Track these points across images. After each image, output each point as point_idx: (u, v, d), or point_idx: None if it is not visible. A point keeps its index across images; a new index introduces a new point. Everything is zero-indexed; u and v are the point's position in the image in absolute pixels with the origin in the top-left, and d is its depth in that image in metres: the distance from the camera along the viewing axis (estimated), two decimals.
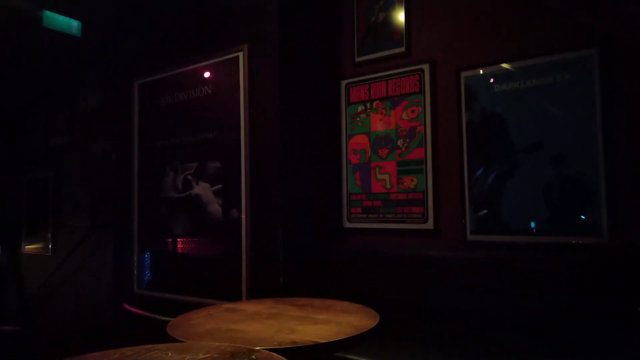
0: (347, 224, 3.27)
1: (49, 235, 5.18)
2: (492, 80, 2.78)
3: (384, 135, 3.12)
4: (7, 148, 5.67)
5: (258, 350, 1.56)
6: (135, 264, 3.62)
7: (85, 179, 4.74)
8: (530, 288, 2.47)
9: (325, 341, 1.69)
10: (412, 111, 3.03)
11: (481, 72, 2.81)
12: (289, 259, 2.89)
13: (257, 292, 2.93)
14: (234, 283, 3.04)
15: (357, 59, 3.30)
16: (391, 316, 2.03)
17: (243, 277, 3.01)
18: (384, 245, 3.06)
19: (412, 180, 2.99)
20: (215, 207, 3.23)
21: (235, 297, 2.99)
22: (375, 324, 1.88)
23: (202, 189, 3.30)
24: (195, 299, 3.19)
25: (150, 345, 1.67)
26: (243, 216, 3.05)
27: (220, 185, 3.21)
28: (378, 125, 3.16)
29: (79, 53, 4.60)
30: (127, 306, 2.71)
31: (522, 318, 2.47)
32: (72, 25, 3.60)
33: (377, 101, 3.17)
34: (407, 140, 3.02)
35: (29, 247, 5.38)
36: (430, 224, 2.91)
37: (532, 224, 2.62)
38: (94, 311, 4.37)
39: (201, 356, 1.54)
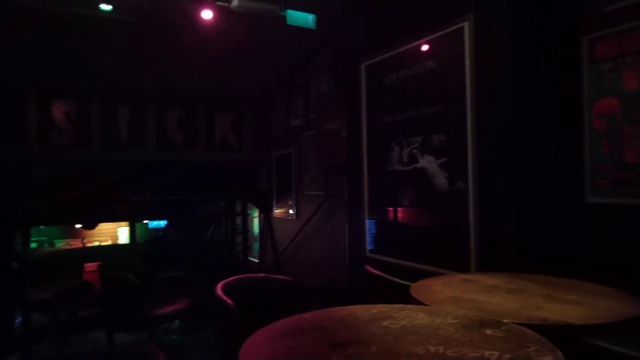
0: (591, 199, 2.93)
1: (292, 202, 6.11)
2: None
3: None
4: (262, 129, 6.84)
5: (507, 323, 1.60)
6: (366, 230, 4.01)
7: (318, 154, 5.39)
8: None
9: (579, 323, 1.62)
10: None
11: None
12: (522, 233, 2.79)
13: (486, 265, 2.92)
14: (462, 254, 3.09)
15: (604, 9, 2.86)
16: None
17: (471, 249, 3.03)
18: None
19: None
20: (440, 179, 3.31)
21: (463, 268, 3.04)
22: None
23: (427, 162, 3.41)
24: (422, 267, 3.37)
25: (401, 305, 1.89)
26: (470, 188, 3.05)
27: (445, 158, 3.27)
28: (633, 84, 2.70)
29: (311, 42, 5.18)
30: (369, 268, 3.06)
31: None
32: (309, 19, 4.09)
33: (632, 56, 2.70)
34: None
35: (278, 212, 6.46)
36: None
37: None
38: (328, 269, 5.02)
39: (450, 320, 1.67)
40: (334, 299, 3.94)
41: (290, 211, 6.14)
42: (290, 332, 1.63)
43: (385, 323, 1.66)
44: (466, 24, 3.05)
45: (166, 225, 9.00)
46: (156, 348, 1.50)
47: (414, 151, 3.51)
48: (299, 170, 5.91)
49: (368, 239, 3.97)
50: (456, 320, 1.66)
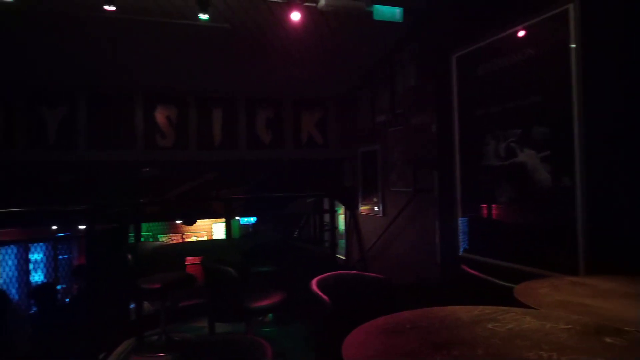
0: None
1: (377, 199, 6.07)
2: None
3: None
4: (347, 126, 6.88)
5: (629, 331, 1.46)
6: (459, 228, 3.87)
7: (406, 150, 5.30)
8: None
9: None
10: None
11: None
12: None
13: (597, 268, 2.68)
14: (568, 255, 2.87)
15: None
16: None
17: (579, 249, 2.80)
18: None
19: None
20: (542, 174, 3.09)
21: (569, 270, 2.82)
22: None
23: (527, 156, 3.21)
24: (522, 268, 3.18)
25: (505, 307, 1.80)
26: (577, 184, 2.82)
27: (547, 152, 3.05)
28: None
29: (396, 36, 5.10)
30: (465, 268, 2.96)
31: None
32: (396, 13, 4.03)
33: None
34: None
35: (363, 209, 6.46)
36: None
37: None
38: (417, 267, 4.91)
39: (562, 326, 1.57)
40: (425, 298, 3.86)
41: (376, 208, 6.11)
42: (390, 330, 1.63)
43: (490, 325, 1.60)
44: (571, 6, 2.82)
45: (256, 222, 9.41)
46: (264, 340, 1.57)
47: (512, 145, 3.32)
48: (385, 167, 5.85)
49: (461, 237, 3.83)
50: (569, 326, 1.55)
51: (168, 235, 8.62)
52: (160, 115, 6.37)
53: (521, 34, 3.22)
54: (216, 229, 8.92)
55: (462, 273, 3.09)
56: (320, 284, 2.53)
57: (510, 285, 2.23)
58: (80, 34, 4.65)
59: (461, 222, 3.91)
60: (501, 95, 3.43)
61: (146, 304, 4.98)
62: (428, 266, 4.58)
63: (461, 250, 3.84)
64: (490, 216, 3.62)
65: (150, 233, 8.16)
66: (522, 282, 2.21)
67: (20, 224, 5.71)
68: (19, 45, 4.80)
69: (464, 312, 1.76)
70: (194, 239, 8.62)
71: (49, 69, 5.38)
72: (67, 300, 4.88)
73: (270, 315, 4.92)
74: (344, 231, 7.04)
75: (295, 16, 4.00)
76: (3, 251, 4.68)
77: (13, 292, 4.92)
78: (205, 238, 8.68)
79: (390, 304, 2.72)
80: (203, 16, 3.87)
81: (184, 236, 8.69)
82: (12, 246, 5.45)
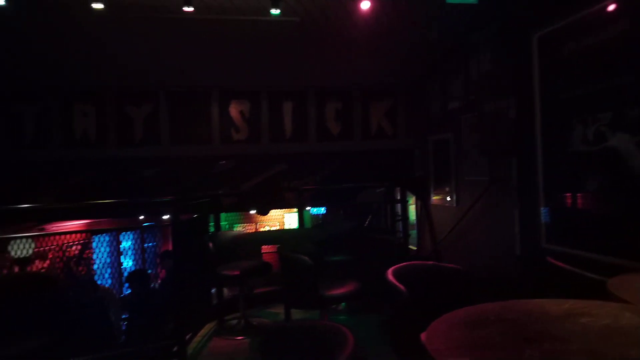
0: None
1: (449, 189, 5.90)
2: None
3: None
4: (417, 115, 6.74)
5: None
6: (542, 219, 3.67)
7: (480, 137, 5.08)
8: None
9: None
10: None
11: None
12: None
13: None
14: None
15: None
16: None
17: None
18: None
19: None
20: (637, 160, 2.84)
21: None
22: None
23: (620, 141, 2.96)
24: (614, 260, 2.96)
25: (599, 302, 1.70)
26: None
27: None
28: None
29: (470, 18, 4.88)
30: (551, 260, 2.81)
31: None
32: None
33: None
34: None
35: (435, 199, 6.30)
36: None
37: None
38: (492, 258, 4.72)
39: None
40: (505, 290, 3.71)
41: (448, 198, 5.93)
42: (474, 322, 1.59)
43: (583, 320, 1.51)
44: None
45: (325, 212, 9.54)
46: (344, 327, 1.60)
47: (602, 129, 3.08)
48: (457, 155, 5.66)
49: (544, 228, 3.63)
50: None
51: (243, 224, 8.99)
52: (234, 110, 6.61)
53: (612, 7, 2.97)
54: (288, 218, 9.16)
55: (544, 265, 2.93)
56: (395, 274, 2.52)
57: (601, 278, 2.09)
58: (161, 36, 4.94)
59: (544, 212, 3.70)
60: (590, 75, 3.18)
61: (225, 290, 5.23)
62: (505, 257, 4.40)
63: (545, 241, 3.64)
64: (576, 205, 3.40)
65: (226, 223, 8.55)
66: (616, 276, 2.07)
67: (112, 215, 6.24)
68: (107, 49, 5.19)
69: (553, 305, 1.68)
70: (267, 228, 8.92)
71: (135, 70, 5.77)
72: (153, 285, 5.27)
73: (343, 304, 4.98)
74: (414, 221, 6.92)
75: (365, 5, 3.97)
76: (102, 239, 5.14)
77: (107, 276, 5.37)
78: (277, 227, 8.95)
79: (468, 296, 2.65)
80: (274, 11, 3.95)
81: (257, 226, 9.02)
82: (106, 235, 5.96)
